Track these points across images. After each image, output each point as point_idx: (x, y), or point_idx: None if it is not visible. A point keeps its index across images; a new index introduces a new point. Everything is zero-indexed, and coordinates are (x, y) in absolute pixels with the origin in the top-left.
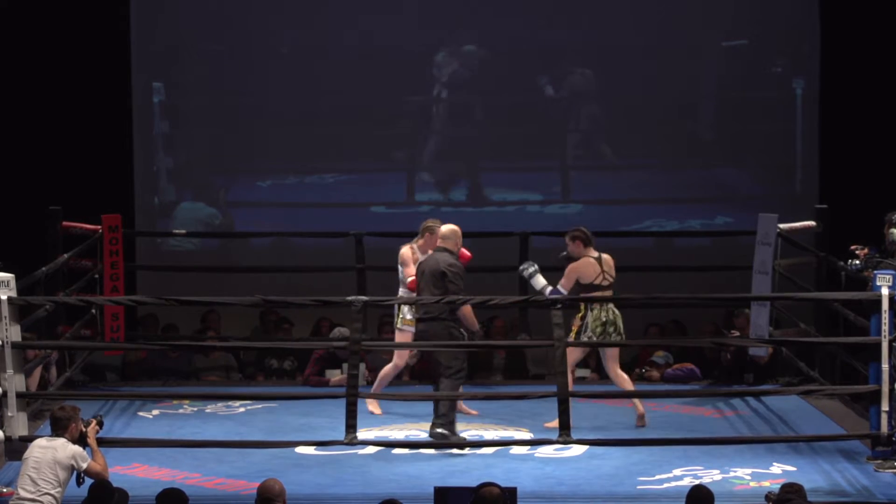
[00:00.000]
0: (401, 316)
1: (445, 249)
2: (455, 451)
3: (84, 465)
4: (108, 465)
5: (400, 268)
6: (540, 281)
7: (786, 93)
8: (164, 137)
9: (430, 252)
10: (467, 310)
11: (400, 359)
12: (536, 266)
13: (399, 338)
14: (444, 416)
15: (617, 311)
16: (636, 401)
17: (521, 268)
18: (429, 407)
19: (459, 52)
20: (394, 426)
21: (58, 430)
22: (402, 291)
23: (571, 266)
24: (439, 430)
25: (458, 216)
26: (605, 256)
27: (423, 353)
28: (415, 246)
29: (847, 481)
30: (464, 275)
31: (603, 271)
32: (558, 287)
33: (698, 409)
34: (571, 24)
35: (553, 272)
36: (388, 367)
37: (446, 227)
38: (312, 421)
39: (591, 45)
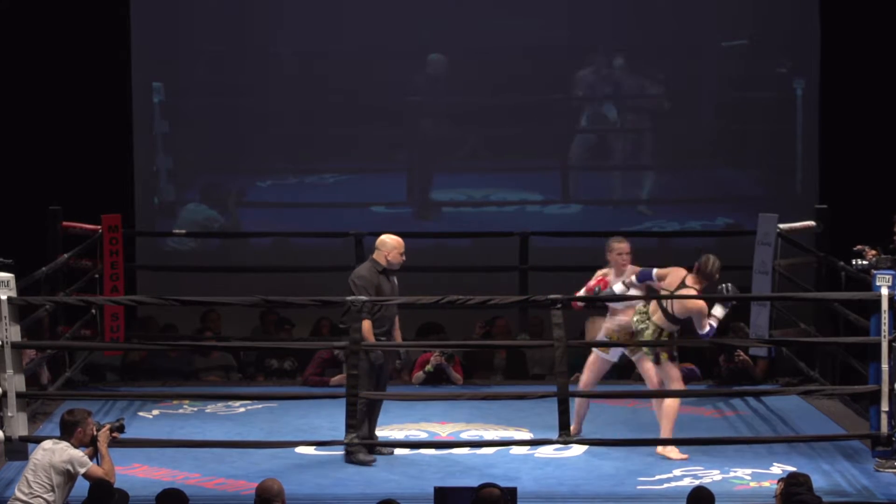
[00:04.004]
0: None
1: (373, 260)
2: (455, 450)
3: (82, 471)
4: None
5: None
6: (719, 312)
7: (786, 93)
8: (164, 137)
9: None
10: (364, 326)
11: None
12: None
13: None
14: (355, 432)
15: (649, 331)
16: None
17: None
18: (430, 407)
19: (459, 52)
20: (394, 426)
21: (63, 434)
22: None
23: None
24: (352, 455)
25: (459, 216)
26: None
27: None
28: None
29: (847, 481)
30: (371, 286)
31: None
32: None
33: (698, 409)
34: (572, 25)
35: (551, 272)
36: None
37: (381, 238)
38: (312, 421)
39: (590, 45)
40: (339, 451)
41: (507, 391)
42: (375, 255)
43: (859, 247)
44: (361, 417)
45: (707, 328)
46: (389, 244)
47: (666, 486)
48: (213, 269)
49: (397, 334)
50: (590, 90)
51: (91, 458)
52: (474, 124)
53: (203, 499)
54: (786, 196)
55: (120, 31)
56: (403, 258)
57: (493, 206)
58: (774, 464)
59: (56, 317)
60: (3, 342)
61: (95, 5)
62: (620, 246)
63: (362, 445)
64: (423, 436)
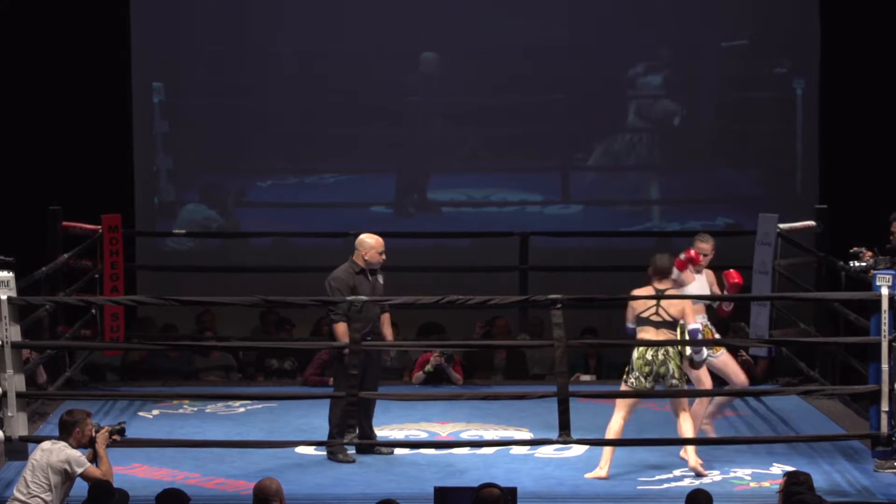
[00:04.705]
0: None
1: (351, 261)
2: (455, 450)
3: (80, 471)
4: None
5: None
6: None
7: (786, 93)
8: (164, 137)
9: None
10: (339, 329)
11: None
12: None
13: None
14: (335, 437)
15: (670, 354)
16: (692, 454)
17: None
18: (430, 407)
19: (459, 51)
20: (394, 426)
21: (61, 434)
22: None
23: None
24: (331, 455)
25: (459, 216)
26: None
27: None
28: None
29: (847, 481)
30: (346, 288)
31: (658, 305)
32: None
33: None
34: (571, 25)
35: (551, 272)
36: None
37: (360, 237)
38: (312, 421)
39: (591, 44)
40: None
41: (507, 391)
42: (354, 256)
43: (856, 248)
44: (346, 418)
45: (694, 324)
46: (367, 244)
47: (666, 486)
48: (213, 269)
49: (388, 332)
50: (590, 90)
51: (91, 460)
52: (474, 124)
53: (203, 499)
54: (786, 196)
55: (120, 31)
56: (383, 257)
57: (493, 206)
58: (774, 464)
59: (56, 317)
60: (3, 342)
61: (95, 5)
62: (701, 245)
63: (351, 445)
64: (423, 436)
